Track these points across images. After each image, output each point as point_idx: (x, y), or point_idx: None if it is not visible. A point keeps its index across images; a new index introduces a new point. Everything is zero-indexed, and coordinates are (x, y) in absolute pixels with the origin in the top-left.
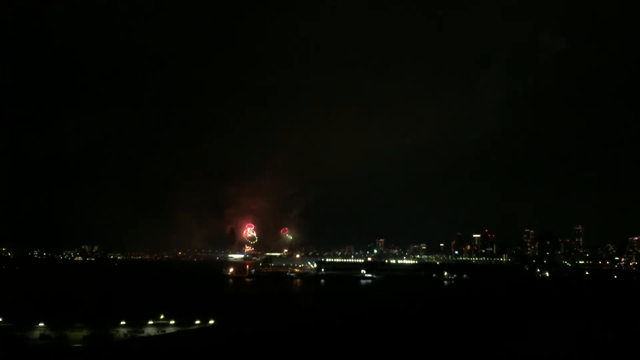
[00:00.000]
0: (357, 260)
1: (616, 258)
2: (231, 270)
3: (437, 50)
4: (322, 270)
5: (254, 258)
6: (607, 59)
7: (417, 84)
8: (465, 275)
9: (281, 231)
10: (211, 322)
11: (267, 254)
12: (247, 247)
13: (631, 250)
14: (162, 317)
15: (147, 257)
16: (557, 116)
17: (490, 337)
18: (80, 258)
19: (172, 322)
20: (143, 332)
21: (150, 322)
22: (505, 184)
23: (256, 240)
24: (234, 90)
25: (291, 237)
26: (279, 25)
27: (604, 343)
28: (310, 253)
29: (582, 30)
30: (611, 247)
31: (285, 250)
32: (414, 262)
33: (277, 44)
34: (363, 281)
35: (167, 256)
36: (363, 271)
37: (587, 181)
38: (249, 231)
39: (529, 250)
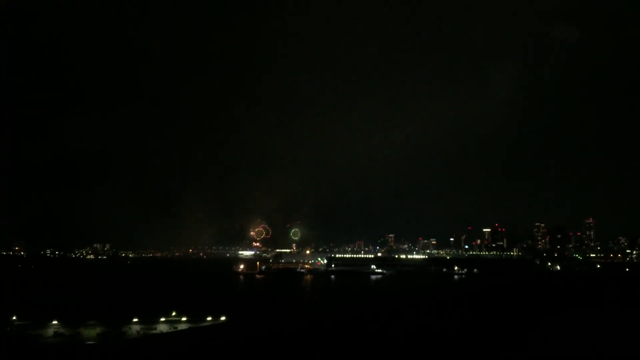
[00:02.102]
0: (367, 256)
1: (628, 251)
2: (242, 266)
3: (447, 44)
4: (332, 266)
5: (264, 255)
6: (622, 49)
7: (427, 77)
8: (475, 270)
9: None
10: (223, 318)
11: (277, 250)
12: (257, 243)
13: None
14: (174, 313)
15: (158, 254)
16: (568, 108)
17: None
18: (92, 256)
19: (184, 318)
20: (155, 328)
21: (162, 319)
22: (516, 177)
23: (270, 233)
24: (244, 87)
25: (297, 235)
26: (283, 20)
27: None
28: (320, 249)
29: (596, 20)
30: (623, 240)
31: (294, 247)
32: (424, 257)
33: (282, 40)
34: (373, 276)
35: (177, 253)
36: (373, 267)
37: (598, 173)
38: (262, 229)
39: (539, 244)
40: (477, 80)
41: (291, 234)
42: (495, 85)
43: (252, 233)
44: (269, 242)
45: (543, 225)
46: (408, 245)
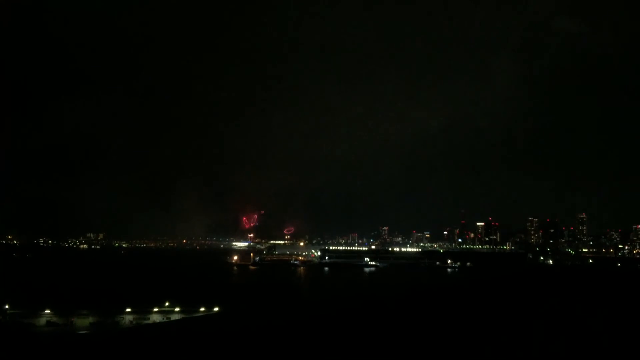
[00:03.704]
0: (361, 248)
1: (620, 246)
2: (235, 258)
3: (447, 36)
4: (326, 258)
5: (258, 246)
6: (621, 42)
7: (425, 70)
8: (468, 263)
9: (285, 231)
10: (216, 309)
11: (271, 242)
12: (251, 235)
13: (635, 238)
14: (167, 304)
15: (152, 244)
16: (565, 102)
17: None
18: (85, 246)
19: (177, 309)
20: (148, 318)
21: (156, 309)
22: (510, 171)
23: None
24: (239, 78)
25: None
26: (282, 11)
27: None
28: (314, 241)
29: (598, 12)
30: (615, 235)
31: (288, 237)
32: (417, 250)
33: (280, 31)
34: (367, 269)
35: (171, 244)
36: (367, 259)
37: (592, 168)
38: (256, 219)
39: (532, 238)
40: (475, 73)
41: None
42: (492, 79)
43: (244, 220)
44: (263, 234)
45: (536, 219)
46: (402, 238)
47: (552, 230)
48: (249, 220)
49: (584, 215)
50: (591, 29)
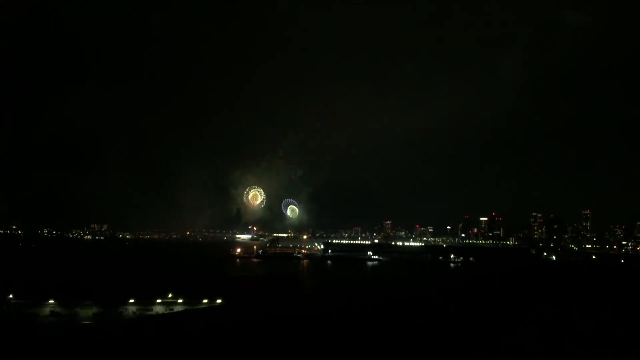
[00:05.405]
0: (364, 242)
1: (623, 242)
2: (239, 250)
3: (453, 29)
4: (329, 251)
5: (261, 239)
6: (630, 36)
7: (430, 63)
8: (471, 258)
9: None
10: (219, 301)
11: (275, 235)
12: (255, 227)
13: (639, 235)
14: (170, 296)
15: (156, 236)
16: (568, 99)
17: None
18: (89, 237)
19: (180, 300)
20: (151, 310)
21: (159, 301)
22: (514, 167)
23: (264, 201)
24: (243, 68)
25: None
26: (284, 6)
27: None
28: (317, 234)
29: (606, 5)
30: (619, 232)
31: (291, 230)
32: (420, 244)
33: (283, 27)
34: (369, 263)
35: (175, 235)
36: (369, 253)
37: (597, 164)
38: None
39: (536, 234)
40: (481, 67)
41: (288, 212)
42: (500, 74)
43: (246, 200)
44: (266, 227)
45: (540, 215)
46: (405, 232)
47: (555, 226)
48: (252, 201)
49: (588, 212)
50: (598, 22)
